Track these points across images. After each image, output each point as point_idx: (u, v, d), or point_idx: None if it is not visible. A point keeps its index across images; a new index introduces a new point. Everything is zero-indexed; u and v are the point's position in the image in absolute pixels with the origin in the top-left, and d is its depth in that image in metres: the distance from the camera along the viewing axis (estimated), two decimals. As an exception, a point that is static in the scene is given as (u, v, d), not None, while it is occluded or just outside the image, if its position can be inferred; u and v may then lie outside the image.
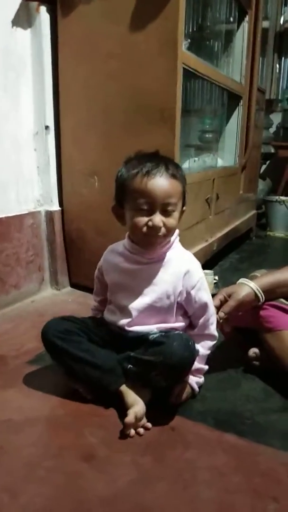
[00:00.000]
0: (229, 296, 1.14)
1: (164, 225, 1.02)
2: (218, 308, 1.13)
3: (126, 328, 1.11)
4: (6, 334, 1.48)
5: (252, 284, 1.14)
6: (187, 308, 1.11)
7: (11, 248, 1.68)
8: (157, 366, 1.00)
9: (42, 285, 1.87)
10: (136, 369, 1.05)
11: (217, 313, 1.12)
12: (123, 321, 1.11)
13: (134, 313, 1.10)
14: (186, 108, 1.93)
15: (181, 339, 1.03)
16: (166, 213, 1.02)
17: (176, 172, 1.02)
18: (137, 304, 1.09)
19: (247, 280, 1.17)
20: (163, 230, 1.02)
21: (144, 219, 1.01)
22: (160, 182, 0.99)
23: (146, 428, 1.00)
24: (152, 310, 1.10)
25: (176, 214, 1.03)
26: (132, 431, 0.98)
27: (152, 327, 1.11)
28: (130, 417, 0.97)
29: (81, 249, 1.83)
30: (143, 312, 1.10)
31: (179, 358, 1.00)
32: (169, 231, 1.05)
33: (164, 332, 1.08)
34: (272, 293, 1.16)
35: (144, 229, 1.02)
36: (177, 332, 1.08)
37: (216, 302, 1.13)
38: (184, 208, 1.08)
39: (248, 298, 1.13)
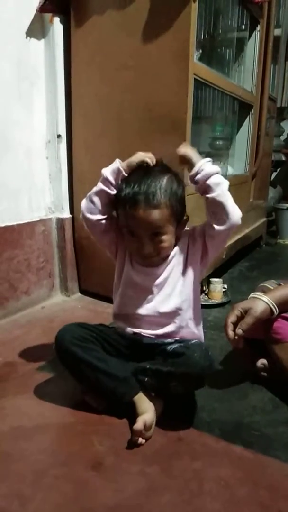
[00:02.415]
0: (245, 312, 1.12)
1: (156, 249, 1.05)
2: (234, 325, 1.12)
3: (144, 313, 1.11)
4: (17, 340, 1.50)
5: (265, 298, 1.13)
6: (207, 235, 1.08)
7: (23, 255, 1.71)
8: (177, 377, 1.01)
9: (52, 291, 1.89)
10: (153, 380, 1.05)
11: (234, 329, 1.11)
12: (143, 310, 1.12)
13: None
14: (198, 115, 1.94)
15: (201, 349, 1.05)
16: (155, 237, 1.04)
17: (160, 197, 1.00)
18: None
19: (260, 294, 1.16)
20: (154, 253, 1.06)
21: (134, 244, 1.05)
22: (143, 215, 1.00)
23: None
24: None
25: (166, 236, 1.04)
26: (140, 439, 0.99)
27: (167, 328, 1.12)
28: (138, 424, 0.97)
29: (90, 256, 1.85)
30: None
31: (201, 369, 1.01)
32: (162, 252, 1.07)
33: (181, 342, 1.09)
34: (285, 305, 1.16)
35: (137, 253, 1.06)
36: (194, 341, 1.10)
37: (232, 318, 1.12)
38: (185, 217, 1.09)
39: (265, 313, 1.12)
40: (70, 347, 1.07)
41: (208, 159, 1.05)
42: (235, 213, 1.01)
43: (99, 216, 1.08)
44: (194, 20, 1.44)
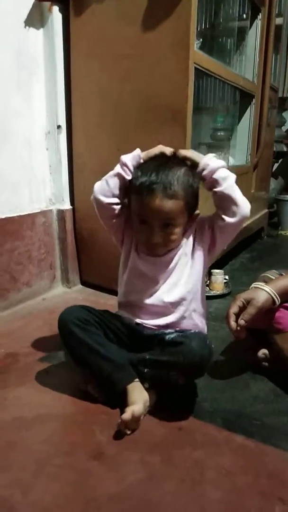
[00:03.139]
0: (248, 302, 1.12)
1: (165, 240, 1.05)
2: (237, 315, 1.11)
3: (147, 301, 1.12)
4: (18, 331, 1.50)
5: (267, 288, 1.13)
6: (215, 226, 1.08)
7: (23, 246, 1.70)
8: (176, 366, 1.02)
9: (53, 283, 1.89)
10: (153, 371, 1.05)
11: (236, 320, 1.11)
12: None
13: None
14: (198, 105, 1.92)
15: (199, 338, 1.04)
16: (166, 228, 1.04)
17: (179, 189, 1.01)
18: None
19: (261, 284, 1.16)
20: (162, 244, 1.06)
21: (144, 234, 1.05)
22: (158, 204, 1.00)
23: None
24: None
25: (177, 229, 1.05)
26: (126, 429, 0.98)
27: (169, 318, 1.12)
28: (127, 414, 0.96)
29: (91, 248, 1.85)
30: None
31: (199, 357, 1.01)
32: (170, 244, 1.08)
33: (180, 332, 1.09)
34: (287, 295, 1.16)
35: (145, 242, 1.06)
36: (193, 331, 1.10)
37: (234, 309, 1.12)
38: (197, 212, 1.09)
39: (267, 304, 1.12)
40: (72, 328, 1.07)
41: (213, 154, 1.06)
42: (244, 205, 1.03)
43: (111, 199, 1.08)
44: (195, 8, 1.42)
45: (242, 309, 1.12)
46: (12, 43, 1.58)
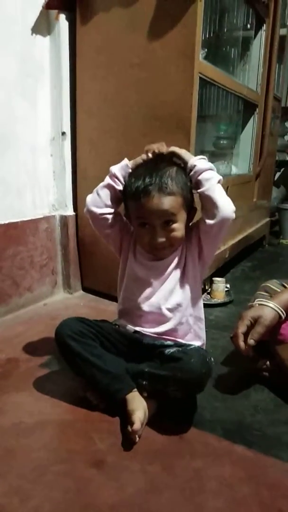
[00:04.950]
0: (255, 320, 1.11)
1: (168, 238, 1.05)
2: (245, 335, 1.11)
3: (145, 308, 1.12)
4: (19, 336, 1.50)
5: (272, 304, 1.12)
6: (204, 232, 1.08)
7: (26, 252, 1.71)
8: (175, 382, 1.01)
9: (55, 288, 1.89)
10: (151, 384, 1.05)
11: (245, 340, 1.10)
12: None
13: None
14: (201, 113, 1.93)
15: (199, 355, 1.04)
16: (167, 226, 1.04)
17: (174, 185, 1.02)
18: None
19: (266, 300, 1.15)
20: (167, 243, 1.06)
21: (147, 236, 1.06)
22: (156, 203, 1.01)
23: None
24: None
25: (178, 225, 1.05)
26: (137, 438, 0.98)
27: (167, 325, 1.12)
28: (137, 424, 0.97)
29: (93, 254, 1.85)
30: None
31: (198, 374, 1.01)
32: (175, 242, 1.08)
33: (180, 347, 1.09)
34: None
35: (149, 244, 1.06)
36: (193, 347, 1.10)
37: (243, 328, 1.11)
38: (195, 207, 1.10)
39: (275, 321, 1.11)
40: (68, 341, 1.08)
41: (202, 156, 1.07)
42: (225, 207, 1.01)
43: (104, 210, 1.09)
44: (200, 18, 1.43)
45: (250, 327, 1.11)
46: (18, 50, 1.60)
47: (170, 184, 1.02)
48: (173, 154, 1.08)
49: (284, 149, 3.50)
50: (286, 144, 3.58)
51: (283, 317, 1.12)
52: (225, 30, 2.17)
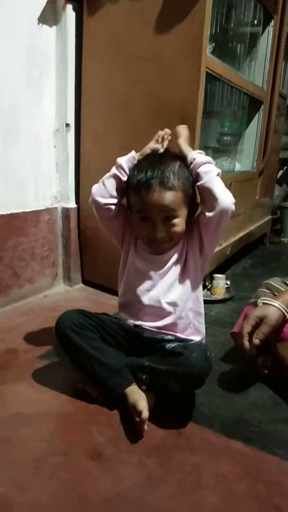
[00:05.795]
0: (260, 320, 1.11)
1: (167, 233, 1.05)
2: (250, 334, 1.10)
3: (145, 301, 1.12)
4: (19, 327, 1.50)
5: (277, 304, 1.12)
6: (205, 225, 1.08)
7: (27, 243, 1.70)
8: (175, 376, 1.02)
9: (55, 280, 1.89)
10: (151, 378, 1.05)
11: (249, 340, 1.10)
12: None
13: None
14: (206, 109, 1.92)
15: (200, 350, 1.04)
16: (168, 221, 1.04)
17: (175, 180, 1.02)
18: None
19: (270, 299, 1.15)
20: (167, 238, 1.06)
21: (146, 230, 1.06)
22: (156, 197, 1.01)
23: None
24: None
25: (179, 220, 1.05)
26: (145, 427, 0.99)
27: (167, 320, 1.12)
28: (145, 413, 0.98)
29: (95, 247, 1.85)
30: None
31: (199, 369, 1.01)
32: (174, 237, 1.08)
33: (181, 341, 1.09)
34: None
35: (148, 237, 1.07)
36: (194, 342, 1.10)
37: (248, 328, 1.10)
38: (196, 202, 1.10)
39: (279, 320, 1.11)
40: (68, 333, 1.08)
41: (200, 151, 1.08)
42: (224, 198, 1.01)
43: (109, 200, 1.09)
44: (209, 13, 1.42)
45: (255, 327, 1.11)
46: (24, 40, 1.58)
47: (172, 179, 1.01)
48: (171, 152, 1.08)
49: (288, 147, 3.48)
50: (290, 142, 3.56)
51: (287, 316, 1.12)
52: (233, 25, 2.15)
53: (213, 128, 2.24)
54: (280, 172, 3.68)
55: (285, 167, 3.72)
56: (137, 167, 1.06)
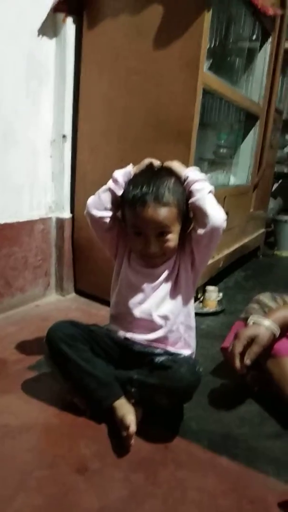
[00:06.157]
0: (252, 339, 1.11)
1: (161, 248, 1.07)
2: (242, 354, 1.10)
3: (137, 313, 1.13)
4: (9, 337, 1.50)
5: (267, 323, 1.12)
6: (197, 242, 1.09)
7: (20, 252, 1.70)
8: (163, 390, 1.02)
9: (47, 290, 1.89)
10: (140, 392, 1.06)
11: (241, 360, 1.10)
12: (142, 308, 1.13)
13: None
14: (202, 121, 1.94)
15: (188, 364, 1.05)
16: (162, 236, 1.06)
17: (170, 196, 1.03)
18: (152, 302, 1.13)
19: (261, 317, 1.15)
20: (160, 253, 1.07)
21: (140, 244, 1.07)
22: (151, 213, 1.02)
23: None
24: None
25: (172, 236, 1.06)
26: (132, 441, 0.99)
27: (158, 333, 1.12)
28: (133, 427, 0.98)
29: (88, 257, 1.85)
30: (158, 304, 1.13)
31: (187, 384, 1.02)
32: (168, 252, 1.09)
33: (170, 355, 1.10)
34: (286, 328, 1.16)
35: (141, 252, 1.08)
36: (183, 356, 1.11)
37: (239, 348, 1.10)
38: (190, 218, 1.11)
39: (270, 339, 1.12)
40: (59, 344, 1.08)
41: (195, 167, 1.10)
42: (215, 216, 1.03)
43: (104, 213, 1.10)
44: (207, 30, 1.44)
45: (246, 346, 1.11)
46: (24, 51, 1.60)
47: (167, 195, 1.02)
48: (167, 169, 1.09)
49: (283, 161, 3.52)
50: (285, 156, 3.60)
51: (277, 335, 1.13)
52: (231, 40, 2.18)
53: (209, 139, 2.26)
54: (275, 185, 3.71)
55: (280, 181, 3.75)
56: (132, 182, 1.07)
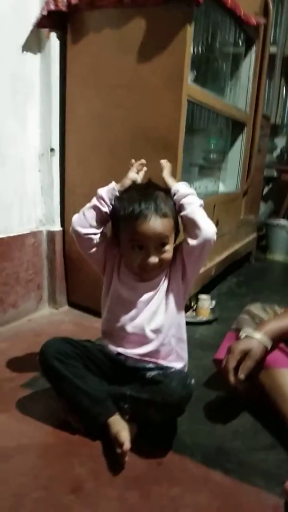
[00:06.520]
0: (245, 354, 1.12)
1: (160, 259, 1.08)
2: (235, 369, 1.11)
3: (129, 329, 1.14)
4: (2, 354, 1.49)
5: (259, 336, 1.13)
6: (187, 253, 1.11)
7: (11, 268, 1.71)
8: (154, 405, 1.03)
9: (40, 303, 1.89)
10: (133, 407, 1.06)
11: (234, 374, 1.11)
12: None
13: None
14: (192, 127, 1.95)
15: (179, 378, 1.05)
16: (161, 247, 1.08)
17: (166, 208, 1.06)
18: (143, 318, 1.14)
19: (252, 331, 1.16)
20: (158, 265, 1.09)
21: (139, 258, 1.08)
22: (152, 226, 1.04)
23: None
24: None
25: (169, 246, 1.09)
26: (126, 458, 1.00)
27: (150, 347, 1.13)
28: (127, 444, 0.99)
29: (80, 269, 1.85)
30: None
31: (178, 398, 1.02)
32: (165, 263, 1.11)
33: (161, 369, 1.11)
34: (278, 340, 1.18)
35: (140, 265, 1.08)
36: (175, 370, 1.12)
37: (233, 363, 1.11)
38: (179, 228, 1.13)
39: (263, 353, 1.13)
40: (52, 362, 1.09)
41: (184, 182, 1.14)
42: (206, 229, 1.06)
43: (89, 230, 1.12)
44: (190, 42, 1.45)
45: (239, 360, 1.12)
46: (9, 67, 1.60)
47: (164, 207, 1.06)
48: (153, 183, 1.13)
49: (272, 165, 3.54)
50: (274, 160, 3.62)
51: (269, 348, 1.14)
52: (215, 50, 2.20)
53: (199, 145, 2.27)
54: (266, 189, 3.73)
55: (270, 184, 3.78)
56: (126, 198, 1.08)
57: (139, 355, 1.15)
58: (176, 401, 1.03)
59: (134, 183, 1.14)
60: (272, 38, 2.66)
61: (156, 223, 1.04)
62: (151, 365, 1.13)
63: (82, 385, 1.08)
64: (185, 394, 1.04)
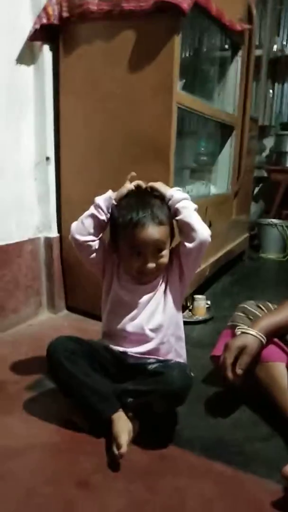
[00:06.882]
0: (241, 349, 1.16)
1: (157, 264, 1.14)
2: (233, 365, 1.16)
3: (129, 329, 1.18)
4: (5, 359, 1.52)
5: (254, 332, 1.18)
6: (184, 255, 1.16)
7: (11, 274, 1.74)
8: (157, 395, 1.08)
9: (39, 309, 1.92)
10: (136, 401, 1.11)
11: (232, 370, 1.16)
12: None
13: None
14: (183, 130, 2.00)
15: (180, 368, 1.11)
16: (157, 253, 1.13)
17: (163, 215, 1.12)
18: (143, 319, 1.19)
19: (247, 328, 1.21)
20: (155, 269, 1.14)
21: (137, 263, 1.14)
22: (150, 233, 1.10)
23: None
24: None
25: (166, 252, 1.15)
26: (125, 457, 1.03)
27: (150, 345, 1.18)
28: (125, 448, 1.02)
29: (78, 274, 1.89)
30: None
31: (179, 387, 1.08)
32: (161, 268, 1.16)
33: (162, 362, 1.16)
34: (273, 335, 1.23)
35: (138, 270, 1.14)
36: (174, 361, 1.17)
37: (230, 359, 1.16)
38: (174, 233, 1.19)
39: (258, 348, 1.18)
40: (61, 359, 1.13)
41: (178, 188, 1.19)
42: (202, 231, 1.12)
43: (87, 237, 1.17)
44: (178, 53, 1.51)
45: (236, 356, 1.17)
46: (3, 79, 1.65)
47: (160, 215, 1.11)
48: (152, 188, 1.17)
49: (262, 166, 3.60)
50: (263, 161, 3.69)
51: (264, 343, 1.19)
52: (203, 55, 2.26)
53: (189, 148, 2.32)
54: (256, 189, 3.79)
55: (260, 184, 3.84)
56: (124, 207, 1.14)
57: (139, 353, 1.19)
58: (178, 389, 1.08)
59: (130, 191, 1.18)
60: (258, 41, 2.73)
61: (154, 231, 1.10)
62: (152, 360, 1.18)
63: (89, 382, 1.12)
64: (186, 383, 1.09)
